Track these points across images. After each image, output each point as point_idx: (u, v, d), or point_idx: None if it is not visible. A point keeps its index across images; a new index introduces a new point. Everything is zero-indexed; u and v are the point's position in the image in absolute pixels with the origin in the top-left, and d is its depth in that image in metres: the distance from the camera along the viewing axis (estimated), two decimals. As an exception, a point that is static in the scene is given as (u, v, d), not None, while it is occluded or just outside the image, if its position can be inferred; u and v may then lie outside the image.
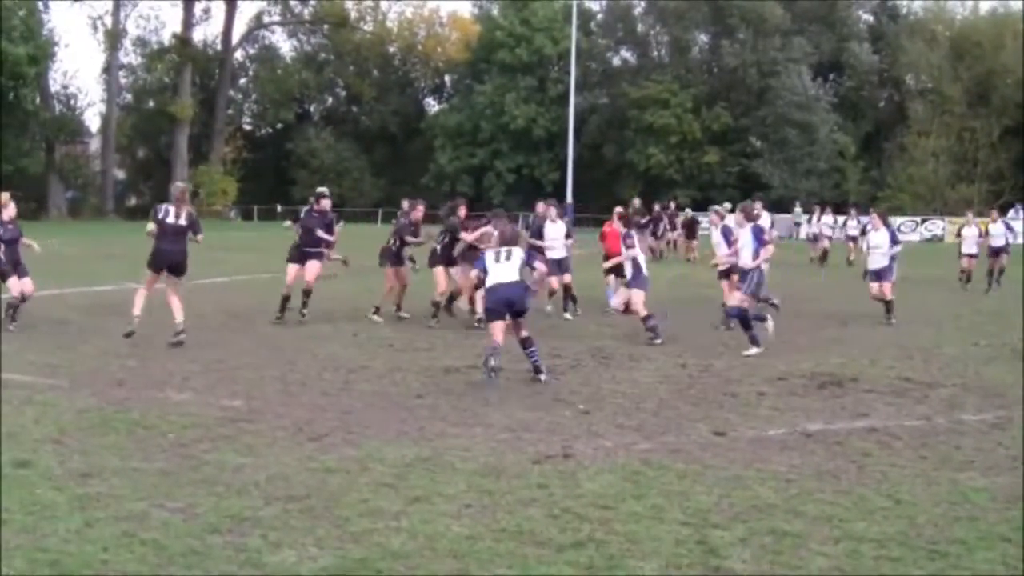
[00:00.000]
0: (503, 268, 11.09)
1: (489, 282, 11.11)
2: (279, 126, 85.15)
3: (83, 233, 47.87)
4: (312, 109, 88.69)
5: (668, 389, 10.64)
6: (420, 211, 16.83)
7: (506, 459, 7.54)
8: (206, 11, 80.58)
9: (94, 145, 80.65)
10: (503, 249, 11.30)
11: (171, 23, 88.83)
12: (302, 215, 16.32)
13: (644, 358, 12.71)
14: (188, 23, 76.21)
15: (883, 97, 75.72)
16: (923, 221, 59.92)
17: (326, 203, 16.23)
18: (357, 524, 5.98)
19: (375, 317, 16.16)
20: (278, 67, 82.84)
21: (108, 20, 73.50)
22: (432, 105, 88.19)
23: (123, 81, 78.70)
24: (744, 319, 13.53)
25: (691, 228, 36.89)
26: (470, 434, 8.34)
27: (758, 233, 14.00)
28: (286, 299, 15.81)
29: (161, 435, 8.09)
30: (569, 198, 59.54)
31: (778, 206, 64.12)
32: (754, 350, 13.23)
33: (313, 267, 15.95)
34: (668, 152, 70.24)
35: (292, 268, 16.00)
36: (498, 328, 10.81)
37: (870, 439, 8.38)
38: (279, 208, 77.39)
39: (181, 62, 74.98)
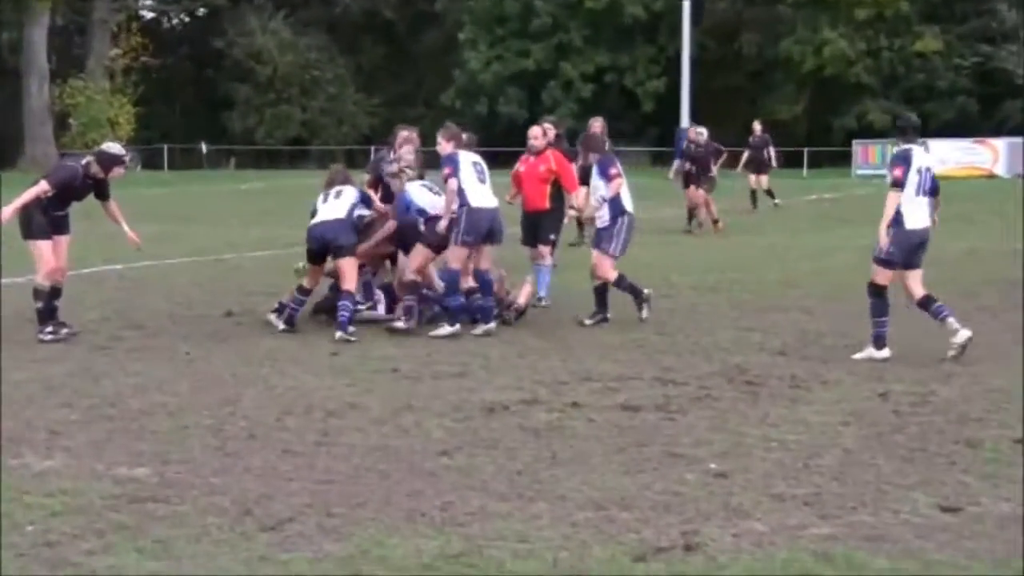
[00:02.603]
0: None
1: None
2: (201, 12, 59.29)
3: None
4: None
5: (860, 434, 7.43)
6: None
7: (589, 554, 5.25)
8: None
9: None
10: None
11: None
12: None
13: (817, 382, 8.95)
14: None
15: None
16: None
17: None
18: None
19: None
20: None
21: None
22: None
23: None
24: None
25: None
26: (528, 513, 5.75)
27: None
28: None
29: (14, 528, 5.51)
30: (684, 121, 39.64)
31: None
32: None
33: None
34: (852, 37, 46.20)
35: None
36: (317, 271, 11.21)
37: None
38: (204, 148, 53.20)
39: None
